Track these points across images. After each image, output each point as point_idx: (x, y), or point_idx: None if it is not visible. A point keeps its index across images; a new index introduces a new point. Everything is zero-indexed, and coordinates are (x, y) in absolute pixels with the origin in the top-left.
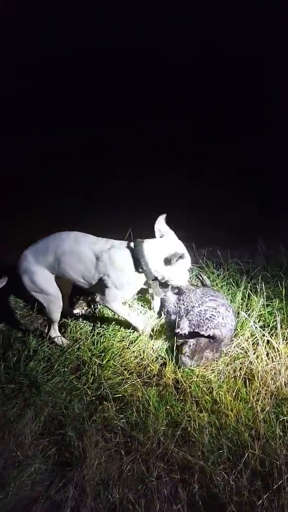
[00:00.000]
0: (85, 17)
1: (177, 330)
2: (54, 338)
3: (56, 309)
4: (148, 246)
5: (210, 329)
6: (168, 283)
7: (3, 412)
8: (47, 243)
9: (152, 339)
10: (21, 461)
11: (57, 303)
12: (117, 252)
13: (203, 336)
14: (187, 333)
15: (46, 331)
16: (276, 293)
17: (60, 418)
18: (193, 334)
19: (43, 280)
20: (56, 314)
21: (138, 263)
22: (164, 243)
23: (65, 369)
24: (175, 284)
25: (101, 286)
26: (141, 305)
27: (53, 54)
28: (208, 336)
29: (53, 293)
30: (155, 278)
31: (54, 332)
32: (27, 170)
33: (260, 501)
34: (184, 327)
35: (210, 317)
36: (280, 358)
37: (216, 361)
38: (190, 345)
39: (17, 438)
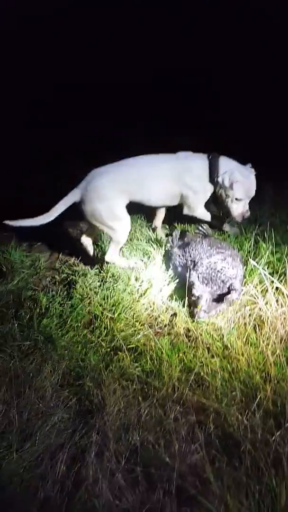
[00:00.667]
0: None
1: (193, 291)
2: (116, 261)
3: (126, 233)
4: (224, 161)
5: (226, 283)
6: (228, 208)
7: (22, 369)
8: (123, 170)
9: (161, 290)
10: (44, 412)
11: (128, 227)
12: (195, 159)
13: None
14: (201, 293)
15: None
16: (285, 239)
17: (77, 370)
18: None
19: (121, 207)
20: (125, 238)
21: (213, 174)
22: (238, 165)
23: (78, 324)
24: (233, 214)
25: (183, 199)
26: None
27: None
28: (228, 291)
29: (127, 218)
30: (220, 197)
31: (117, 256)
32: None
33: (273, 438)
34: (197, 287)
35: (221, 269)
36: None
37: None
38: (206, 300)
39: (38, 391)
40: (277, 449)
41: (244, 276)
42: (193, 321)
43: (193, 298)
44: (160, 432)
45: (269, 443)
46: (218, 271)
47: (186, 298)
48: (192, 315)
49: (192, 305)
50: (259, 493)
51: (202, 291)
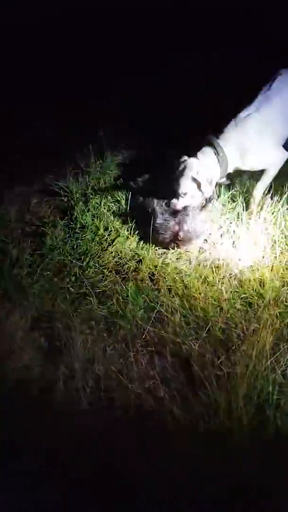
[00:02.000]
0: None
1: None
2: None
3: None
4: None
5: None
6: None
7: None
8: None
9: (128, 239)
10: (15, 352)
11: None
12: None
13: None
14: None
15: None
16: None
17: (47, 315)
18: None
19: None
20: None
21: None
22: None
23: (48, 272)
24: None
25: None
26: None
27: None
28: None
29: None
30: None
31: None
32: None
33: (219, 360)
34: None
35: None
36: (243, 247)
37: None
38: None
39: (9, 335)
40: (221, 368)
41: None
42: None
43: (157, 226)
44: (122, 363)
45: (215, 364)
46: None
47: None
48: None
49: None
50: (204, 404)
51: (165, 219)
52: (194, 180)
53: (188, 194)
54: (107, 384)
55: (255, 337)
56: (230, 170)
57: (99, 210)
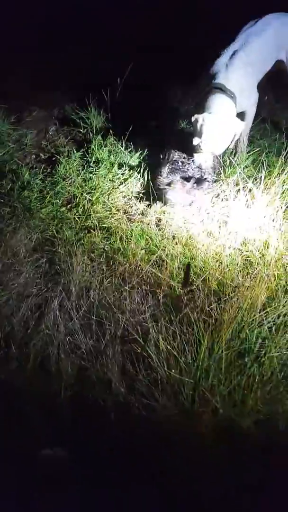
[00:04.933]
0: None
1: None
2: None
3: None
4: None
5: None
6: None
7: None
8: None
9: (140, 180)
10: (16, 268)
11: None
12: None
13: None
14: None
15: None
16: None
17: (51, 240)
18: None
19: None
20: None
21: None
22: None
23: (57, 200)
24: None
25: None
26: None
27: None
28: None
29: None
30: None
31: None
32: None
33: (210, 307)
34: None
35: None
36: (256, 207)
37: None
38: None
39: (13, 250)
40: (211, 314)
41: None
42: (165, 203)
43: (159, 182)
44: (117, 295)
45: (204, 310)
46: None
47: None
48: (161, 199)
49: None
50: (187, 341)
51: (169, 178)
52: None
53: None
54: (99, 312)
55: (248, 292)
56: None
57: (116, 146)
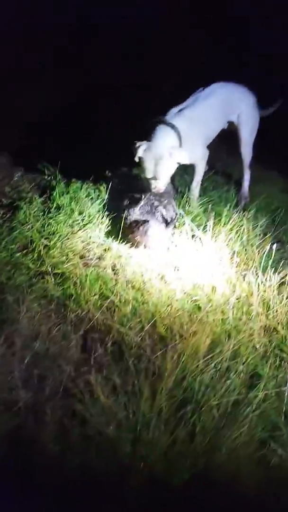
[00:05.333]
0: None
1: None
2: None
3: None
4: None
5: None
6: None
7: None
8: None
9: (98, 226)
10: None
11: None
12: None
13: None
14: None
15: None
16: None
17: (1, 287)
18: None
19: None
20: None
21: None
22: None
23: (13, 246)
24: None
25: None
26: None
27: None
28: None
29: None
30: None
31: None
32: None
33: (155, 355)
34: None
35: (158, 205)
36: (204, 252)
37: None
38: (144, 228)
39: None
40: (154, 363)
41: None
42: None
43: (129, 225)
44: (64, 344)
45: (151, 359)
46: (156, 205)
47: (122, 227)
48: (132, 242)
49: (129, 233)
50: (129, 392)
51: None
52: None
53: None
54: (43, 363)
55: (193, 338)
56: None
57: (78, 194)
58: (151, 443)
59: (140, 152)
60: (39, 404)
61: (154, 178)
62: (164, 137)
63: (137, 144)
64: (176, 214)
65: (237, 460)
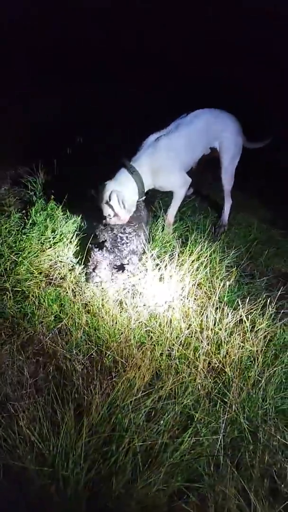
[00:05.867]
0: None
1: (92, 256)
2: None
3: None
4: None
5: (126, 257)
6: None
7: None
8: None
9: (67, 245)
10: None
11: None
12: None
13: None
14: (99, 260)
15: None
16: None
17: None
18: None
19: None
20: None
21: None
22: None
23: None
24: None
25: None
26: None
27: None
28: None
29: None
30: None
31: None
32: None
33: (95, 385)
34: (96, 254)
35: (125, 243)
36: (168, 282)
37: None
38: (103, 267)
39: None
40: (84, 392)
41: (144, 253)
42: (86, 281)
43: (91, 261)
44: (9, 366)
45: (85, 388)
46: (122, 242)
47: (85, 260)
48: (87, 277)
49: (90, 268)
50: (55, 425)
51: (101, 258)
52: (108, 203)
53: (112, 214)
54: None
55: (133, 371)
56: (146, 188)
57: (55, 211)
58: (68, 478)
59: (100, 192)
60: None
61: (109, 215)
62: (122, 181)
63: (101, 185)
64: (143, 243)
65: (148, 510)
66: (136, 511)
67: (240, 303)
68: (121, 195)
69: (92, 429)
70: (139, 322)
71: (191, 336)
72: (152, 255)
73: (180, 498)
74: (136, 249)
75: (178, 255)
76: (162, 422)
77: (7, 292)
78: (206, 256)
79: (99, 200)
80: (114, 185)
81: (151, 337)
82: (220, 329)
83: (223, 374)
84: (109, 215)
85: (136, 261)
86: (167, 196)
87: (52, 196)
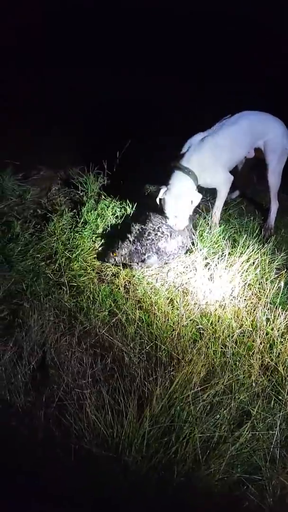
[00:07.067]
0: None
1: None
2: None
3: None
4: None
5: (150, 250)
6: None
7: None
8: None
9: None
10: None
11: None
12: None
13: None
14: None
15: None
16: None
17: (21, 293)
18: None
19: None
20: None
21: None
22: None
23: (39, 255)
24: None
25: None
26: None
27: None
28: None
29: None
30: None
31: None
32: None
33: (152, 377)
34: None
35: (151, 239)
36: (218, 282)
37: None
38: (125, 252)
39: None
40: (148, 386)
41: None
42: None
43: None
44: (67, 356)
45: (145, 380)
46: (149, 238)
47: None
48: (104, 255)
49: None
50: (117, 411)
51: (124, 245)
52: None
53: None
54: (45, 371)
55: (189, 367)
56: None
57: (105, 211)
58: (130, 465)
59: (160, 195)
60: (33, 408)
61: (174, 217)
62: (180, 184)
63: (159, 190)
64: (178, 247)
65: (210, 497)
66: (198, 499)
67: None
68: (195, 198)
69: (153, 419)
70: (190, 320)
71: (243, 335)
72: (202, 253)
73: (240, 488)
74: (163, 250)
75: (228, 255)
76: (218, 416)
77: (63, 287)
78: (257, 258)
79: (165, 205)
80: (179, 189)
81: (203, 335)
82: (272, 329)
83: (276, 372)
84: (175, 216)
85: (155, 260)
86: (213, 196)
87: (103, 196)
